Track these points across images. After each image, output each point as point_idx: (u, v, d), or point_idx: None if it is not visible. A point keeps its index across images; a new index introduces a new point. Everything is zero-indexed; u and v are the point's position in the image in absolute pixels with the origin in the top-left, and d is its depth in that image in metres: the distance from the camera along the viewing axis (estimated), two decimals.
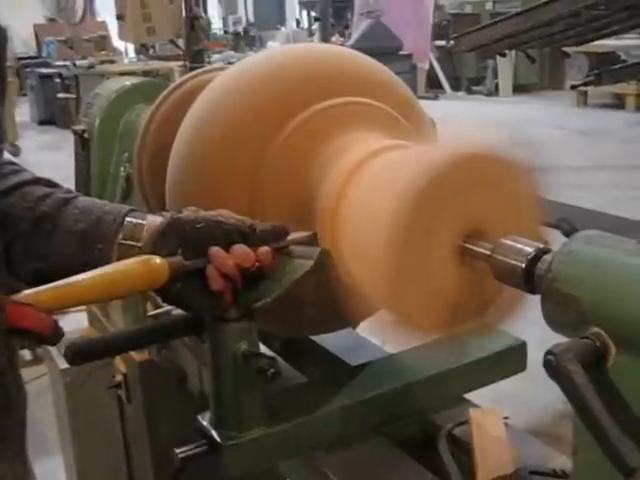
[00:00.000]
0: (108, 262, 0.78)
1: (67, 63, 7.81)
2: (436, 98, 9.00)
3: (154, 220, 0.81)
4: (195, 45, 4.29)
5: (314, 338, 1.10)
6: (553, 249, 0.64)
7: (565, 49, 4.69)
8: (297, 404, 0.89)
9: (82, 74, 7.11)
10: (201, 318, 0.86)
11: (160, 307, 1.08)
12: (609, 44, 6.70)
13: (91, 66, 7.08)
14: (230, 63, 1.70)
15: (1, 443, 0.79)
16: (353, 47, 1.10)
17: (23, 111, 8.56)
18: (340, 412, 0.88)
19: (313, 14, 11.58)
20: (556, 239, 0.74)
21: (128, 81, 1.55)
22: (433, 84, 9.54)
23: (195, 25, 4.26)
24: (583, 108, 8.16)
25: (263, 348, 0.91)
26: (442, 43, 9.43)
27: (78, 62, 7.42)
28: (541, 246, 0.65)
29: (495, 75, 9.35)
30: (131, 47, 8.77)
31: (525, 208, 0.75)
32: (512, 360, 1.00)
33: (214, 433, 0.82)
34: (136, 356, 1.34)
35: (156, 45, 7.71)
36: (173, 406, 1.31)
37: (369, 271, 0.75)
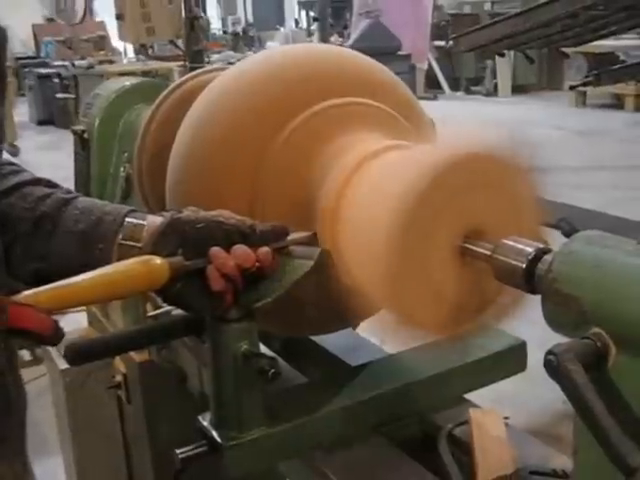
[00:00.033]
0: (108, 262, 0.78)
1: (66, 63, 7.81)
2: (435, 98, 9.00)
3: (154, 220, 0.81)
4: (195, 45, 4.28)
5: (314, 338, 1.11)
6: (553, 249, 0.64)
7: (564, 50, 4.70)
8: (297, 404, 0.89)
9: (81, 74, 7.11)
10: (201, 318, 0.85)
11: (160, 307, 1.07)
12: (607, 44, 6.70)
13: (90, 66, 7.08)
14: (230, 63, 1.70)
15: (1, 443, 0.79)
16: (352, 47, 1.11)
17: (22, 111, 8.55)
18: (340, 412, 0.88)
19: (312, 14, 11.58)
20: (556, 239, 0.74)
21: (128, 81, 1.55)
22: (432, 84, 9.55)
23: (195, 25, 4.25)
24: (582, 108, 8.17)
25: (263, 348, 0.91)
26: (441, 43, 9.43)
27: (77, 62, 7.42)
28: (541, 246, 0.65)
29: (494, 75, 9.35)
30: (130, 47, 8.77)
31: (525, 208, 0.75)
32: (512, 360, 1.01)
33: (214, 433, 0.82)
34: (136, 356, 1.34)
35: (155, 45, 7.71)
36: (173, 406, 1.31)
37: (369, 271, 0.75)
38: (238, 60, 1.15)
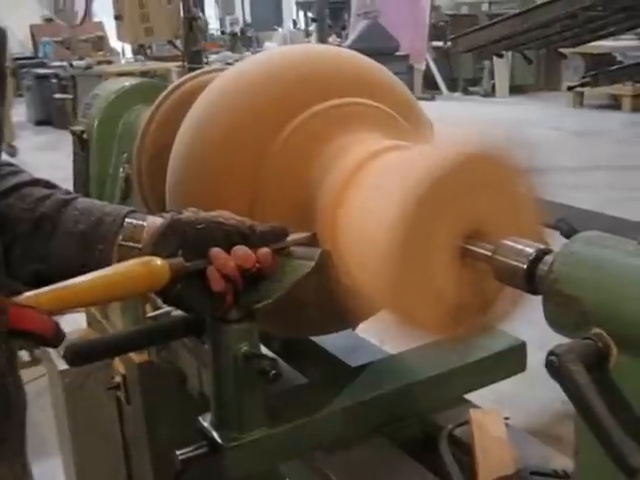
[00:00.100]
0: (108, 263, 0.78)
1: (64, 64, 7.79)
2: (432, 99, 9.01)
3: (154, 221, 0.81)
4: (193, 46, 4.28)
5: (314, 339, 1.11)
6: (553, 250, 0.65)
7: (562, 50, 4.70)
8: (298, 405, 0.89)
9: (79, 75, 7.09)
10: (201, 319, 0.85)
11: (159, 308, 1.07)
12: (605, 45, 6.71)
13: (88, 67, 7.07)
14: (228, 64, 1.70)
15: (1, 445, 0.79)
16: (350, 48, 1.11)
17: (19, 111, 8.54)
18: (341, 413, 0.88)
19: (310, 15, 11.58)
20: (555, 240, 0.75)
21: (127, 82, 1.55)
22: (430, 85, 9.55)
23: (193, 26, 4.25)
24: (579, 109, 8.18)
25: (263, 349, 0.91)
26: (439, 44, 9.44)
27: (75, 63, 7.40)
28: (542, 247, 0.65)
29: (492, 76, 9.36)
30: (128, 48, 8.76)
31: (525, 209, 0.75)
32: (512, 360, 1.01)
33: (215, 434, 0.82)
34: (135, 357, 1.34)
35: (153, 46, 7.70)
36: (172, 407, 1.31)
37: (370, 271, 0.75)
38: (236, 61, 1.15)
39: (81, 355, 0.87)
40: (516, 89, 9.34)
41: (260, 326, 0.83)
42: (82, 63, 7.25)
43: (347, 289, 0.77)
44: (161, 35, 5.93)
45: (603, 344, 0.55)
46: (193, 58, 4.29)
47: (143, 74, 5.90)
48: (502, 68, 9.05)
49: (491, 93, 9.36)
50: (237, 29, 11.97)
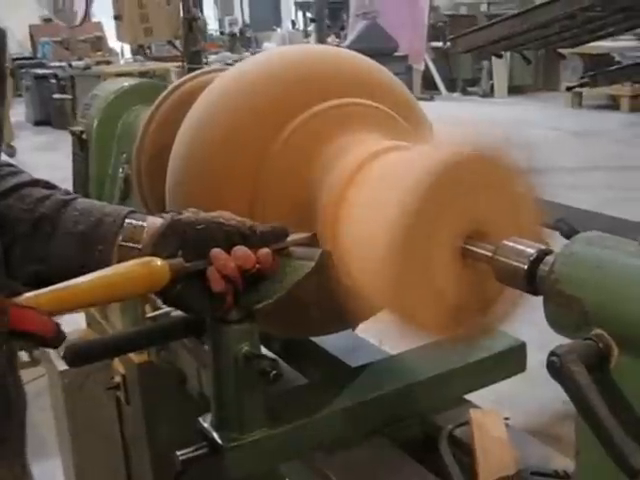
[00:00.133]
0: (108, 264, 0.78)
1: (63, 64, 7.79)
2: (431, 99, 9.01)
3: (154, 222, 0.81)
4: (193, 46, 4.28)
5: (314, 339, 1.11)
6: (554, 250, 0.65)
7: (560, 51, 4.71)
8: (298, 405, 0.89)
9: (78, 75, 7.09)
10: (200, 319, 0.85)
11: (159, 309, 1.07)
12: (604, 46, 6.71)
13: (87, 67, 7.07)
14: (228, 64, 1.70)
15: (1, 445, 0.79)
16: (349, 48, 1.11)
17: (18, 112, 8.53)
18: (341, 413, 0.88)
19: (309, 15, 11.57)
20: (555, 240, 0.75)
21: (126, 82, 1.55)
22: (429, 85, 9.55)
23: (193, 26, 4.25)
24: (578, 109, 8.18)
25: (263, 350, 0.91)
26: (438, 44, 9.44)
27: (74, 63, 7.40)
28: (543, 247, 0.65)
29: (490, 76, 9.36)
30: (127, 48, 8.76)
31: (525, 209, 0.75)
32: (512, 361, 1.01)
33: (215, 435, 0.82)
34: (135, 358, 1.34)
35: (152, 46, 7.70)
36: (172, 408, 1.31)
37: (371, 272, 0.75)
38: (235, 61, 1.15)
39: (81, 356, 0.87)
40: (515, 89, 9.35)
41: (260, 326, 0.83)
42: (81, 63, 7.25)
43: (347, 289, 0.77)
44: (160, 35, 5.93)
45: (604, 345, 0.55)
46: (193, 58, 4.29)
47: (142, 74, 5.90)
48: (501, 68, 9.05)
49: (490, 93, 9.36)
50: (236, 29, 11.96)
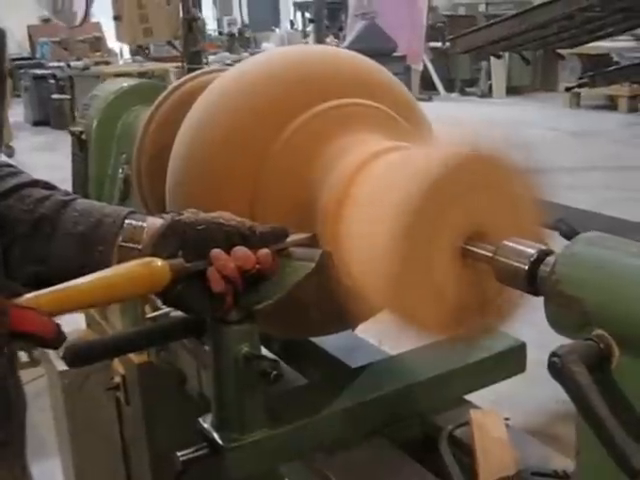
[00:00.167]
0: (108, 265, 0.78)
1: (61, 64, 7.79)
2: (430, 99, 9.01)
3: (154, 222, 0.81)
4: (193, 47, 4.27)
5: (313, 340, 1.11)
6: (554, 251, 0.65)
7: (559, 51, 4.71)
8: (298, 406, 0.89)
9: (77, 75, 7.09)
10: (200, 320, 0.85)
11: (158, 309, 1.07)
12: (602, 46, 6.72)
13: (86, 67, 7.07)
14: (228, 64, 1.70)
15: (2, 447, 0.79)
16: (348, 48, 1.11)
17: (17, 112, 8.52)
18: (341, 414, 0.88)
19: (307, 16, 11.57)
20: (554, 240, 0.75)
21: (125, 83, 1.55)
22: (427, 85, 9.55)
23: (193, 26, 4.24)
24: (576, 109, 8.19)
25: (263, 350, 0.91)
26: (437, 45, 9.45)
27: (72, 63, 7.40)
28: (543, 248, 0.65)
29: (489, 77, 9.37)
30: (126, 48, 8.75)
31: (526, 209, 0.75)
32: (512, 361, 1.01)
33: (216, 435, 0.82)
34: (135, 358, 1.33)
35: (151, 46, 7.69)
36: (172, 408, 1.31)
37: (371, 272, 0.75)
38: (234, 61, 1.15)
39: (81, 356, 0.87)
40: (513, 90, 9.36)
41: (260, 327, 0.83)
42: (80, 64, 7.25)
43: (347, 290, 0.77)
44: (160, 36, 5.92)
45: (605, 345, 0.55)
46: (192, 59, 4.28)
47: (141, 75, 5.89)
48: (499, 69, 9.06)
49: (488, 94, 9.37)
50: (235, 30, 11.95)
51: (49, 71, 8.43)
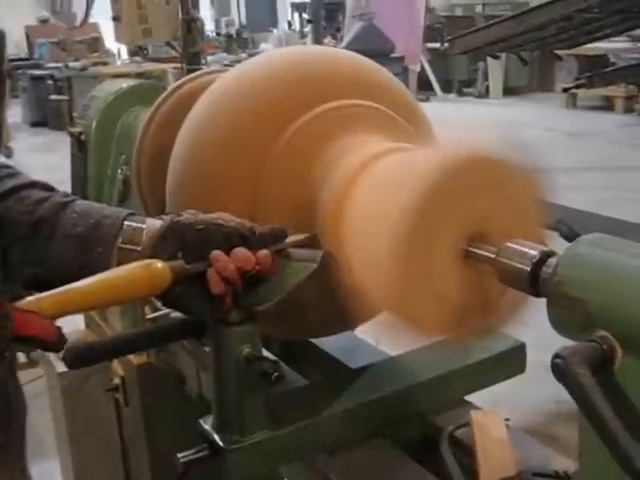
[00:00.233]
0: (107, 266, 0.77)
1: (59, 65, 7.77)
2: (427, 100, 9.02)
3: (154, 224, 0.81)
4: (192, 47, 4.26)
5: (314, 341, 1.10)
6: (557, 252, 0.65)
7: (557, 52, 4.72)
8: (299, 407, 0.89)
9: (75, 76, 7.07)
10: (199, 321, 0.85)
11: (158, 310, 1.07)
12: (599, 47, 6.73)
13: (84, 68, 7.05)
14: (227, 65, 1.70)
15: (2, 451, 0.79)
16: (345, 49, 1.11)
17: (15, 113, 8.51)
18: (342, 415, 0.88)
19: (305, 16, 11.57)
20: (554, 241, 0.74)
21: (125, 83, 1.55)
22: (424, 86, 9.56)
23: (192, 27, 4.23)
24: (572, 110, 8.21)
25: (263, 351, 0.90)
26: (435, 45, 9.45)
27: (71, 64, 7.39)
28: (546, 249, 0.65)
29: (486, 77, 9.39)
30: (124, 49, 8.74)
31: (528, 211, 0.75)
32: (512, 362, 1.01)
33: (216, 437, 0.82)
34: (134, 359, 1.33)
35: (149, 47, 7.68)
36: (171, 409, 1.31)
37: (373, 273, 0.75)
38: (232, 62, 1.15)
39: (80, 357, 0.87)
40: (510, 90, 9.37)
41: (260, 328, 0.83)
42: (78, 64, 7.23)
43: (348, 290, 0.77)
44: (159, 36, 5.90)
45: (608, 346, 0.55)
46: (191, 59, 4.27)
47: (139, 75, 5.89)
48: (496, 69, 9.07)
49: (485, 94, 9.39)
50: (232, 30, 11.95)
51: (47, 72, 8.42)
